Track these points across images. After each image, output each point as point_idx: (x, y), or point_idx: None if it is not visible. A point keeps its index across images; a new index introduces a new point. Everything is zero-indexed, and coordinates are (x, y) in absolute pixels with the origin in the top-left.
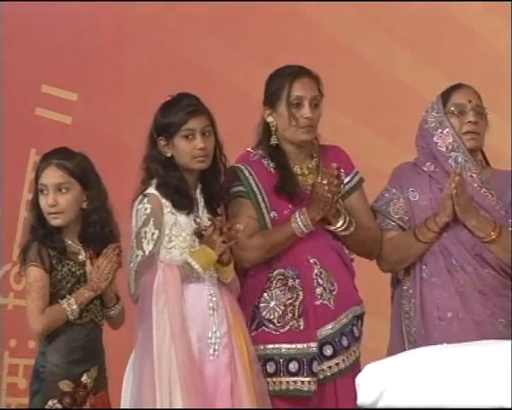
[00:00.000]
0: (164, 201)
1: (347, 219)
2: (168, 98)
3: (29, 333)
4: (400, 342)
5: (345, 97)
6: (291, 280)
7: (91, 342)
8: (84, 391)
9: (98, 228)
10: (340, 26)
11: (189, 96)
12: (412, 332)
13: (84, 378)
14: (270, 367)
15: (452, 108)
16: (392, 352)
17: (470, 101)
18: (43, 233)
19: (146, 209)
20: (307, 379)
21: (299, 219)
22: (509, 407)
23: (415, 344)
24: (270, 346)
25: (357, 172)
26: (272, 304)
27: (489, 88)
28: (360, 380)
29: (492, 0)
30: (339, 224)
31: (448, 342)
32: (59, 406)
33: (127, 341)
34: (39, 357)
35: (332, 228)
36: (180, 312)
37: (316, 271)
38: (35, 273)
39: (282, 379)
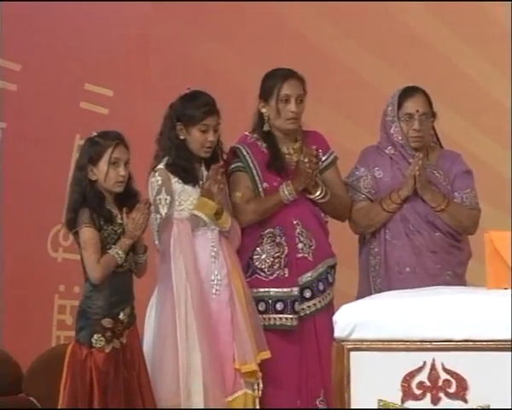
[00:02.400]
0: (171, 175)
1: (324, 189)
2: (187, 91)
3: (74, 280)
4: (367, 290)
5: (324, 92)
6: (278, 237)
7: (127, 287)
8: (121, 326)
9: (135, 194)
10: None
11: (207, 95)
12: (377, 283)
13: (121, 316)
14: (261, 306)
15: (402, 117)
16: (360, 297)
17: (417, 111)
18: (94, 201)
19: (158, 181)
20: (290, 316)
21: (285, 190)
22: (459, 337)
23: (379, 292)
24: (261, 289)
25: (333, 152)
26: (263, 256)
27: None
28: (336, 318)
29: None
30: (317, 193)
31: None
32: (102, 339)
33: (144, 288)
34: (86, 300)
35: (312, 196)
36: (193, 256)
37: (298, 230)
38: (89, 233)
39: (271, 316)
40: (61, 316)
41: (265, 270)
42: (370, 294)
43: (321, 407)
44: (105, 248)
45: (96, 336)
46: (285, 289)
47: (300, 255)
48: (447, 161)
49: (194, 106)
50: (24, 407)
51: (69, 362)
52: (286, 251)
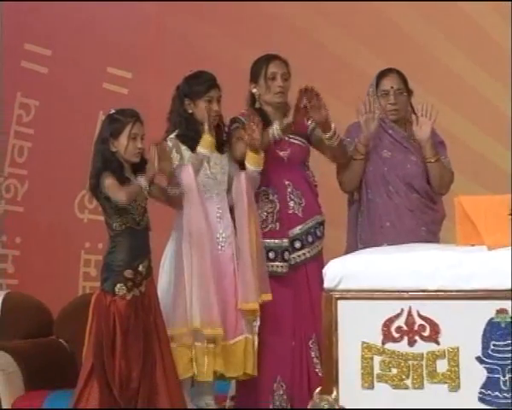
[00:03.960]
0: (180, 143)
1: (336, 132)
2: (191, 72)
3: (98, 238)
4: (354, 244)
5: (315, 76)
6: (271, 195)
7: (144, 243)
8: (140, 277)
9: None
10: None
11: (209, 73)
12: (363, 236)
13: (140, 268)
14: None
15: (380, 93)
16: (348, 251)
17: (392, 87)
18: (116, 168)
19: (169, 146)
20: (280, 264)
21: (274, 129)
22: (432, 288)
23: (364, 245)
24: None
25: None
26: (258, 212)
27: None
28: (325, 271)
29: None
30: (329, 134)
31: (387, 244)
32: (124, 288)
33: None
34: (109, 255)
35: (325, 136)
36: (197, 194)
37: (289, 190)
38: (111, 180)
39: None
40: (86, 269)
41: (260, 224)
42: (357, 248)
43: (313, 347)
44: (121, 212)
45: (118, 286)
46: (276, 241)
47: (291, 212)
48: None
49: (199, 82)
50: (54, 348)
51: (94, 308)
52: (278, 207)
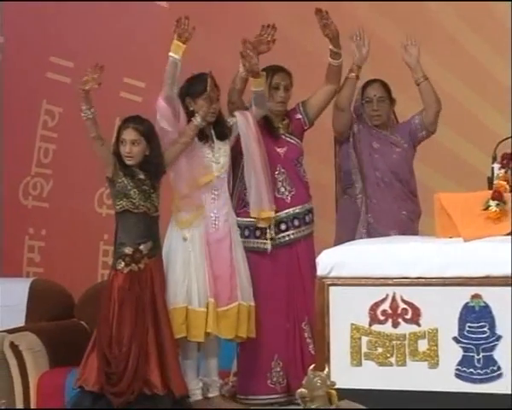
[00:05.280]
0: None
1: (340, 50)
2: (191, 75)
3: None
4: (344, 235)
5: (309, 80)
6: None
7: (146, 225)
8: (140, 255)
9: (156, 164)
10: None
11: (206, 74)
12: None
13: (142, 247)
14: (246, 232)
15: (364, 101)
16: (337, 241)
17: (375, 95)
18: (122, 163)
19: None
20: (265, 241)
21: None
22: (414, 275)
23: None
24: (247, 219)
25: None
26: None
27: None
28: (319, 260)
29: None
30: (338, 50)
31: (375, 220)
32: (122, 262)
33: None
34: (115, 235)
35: (335, 50)
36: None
37: (281, 178)
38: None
39: (251, 240)
40: (104, 258)
41: (249, 204)
42: (346, 239)
43: (306, 329)
44: (117, 197)
45: (118, 261)
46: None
47: (279, 196)
48: (401, 125)
49: (198, 82)
50: (76, 329)
51: (105, 287)
52: None
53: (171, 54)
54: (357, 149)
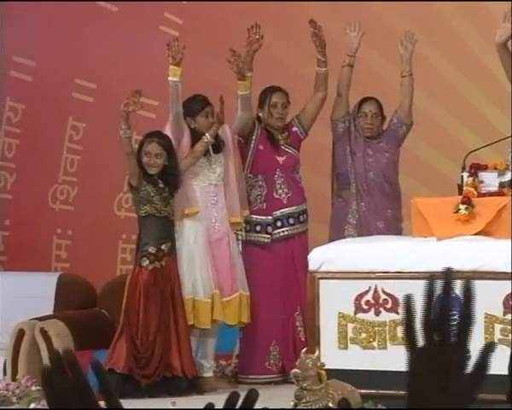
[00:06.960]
0: None
1: (326, 59)
2: (190, 96)
3: (133, 230)
4: (338, 234)
5: (303, 100)
6: (260, 181)
7: (166, 228)
8: (162, 253)
9: (174, 173)
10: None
11: (202, 95)
12: (349, 220)
13: (163, 247)
14: (247, 227)
15: (360, 115)
16: (331, 241)
17: (370, 110)
18: (144, 172)
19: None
20: (264, 236)
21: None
22: (394, 270)
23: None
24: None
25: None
26: (251, 193)
27: None
28: (310, 256)
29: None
30: (324, 58)
31: (367, 208)
32: (147, 260)
33: None
34: (138, 237)
35: (321, 59)
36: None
37: (279, 182)
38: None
39: (252, 234)
40: (123, 255)
41: (251, 202)
42: (339, 238)
43: (297, 318)
44: (141, 202)
45: (143, 259)
46: (262, 217)
47: (277, 197)
48: (385, 132)
49: (195, 102)
50: (98, 316)
51: (129, 281)
52: (265, 191)
53: (169, 78)
54: (353, 153)
